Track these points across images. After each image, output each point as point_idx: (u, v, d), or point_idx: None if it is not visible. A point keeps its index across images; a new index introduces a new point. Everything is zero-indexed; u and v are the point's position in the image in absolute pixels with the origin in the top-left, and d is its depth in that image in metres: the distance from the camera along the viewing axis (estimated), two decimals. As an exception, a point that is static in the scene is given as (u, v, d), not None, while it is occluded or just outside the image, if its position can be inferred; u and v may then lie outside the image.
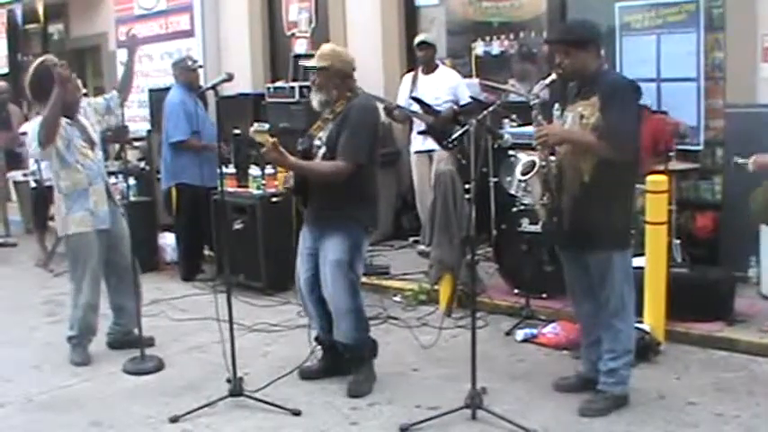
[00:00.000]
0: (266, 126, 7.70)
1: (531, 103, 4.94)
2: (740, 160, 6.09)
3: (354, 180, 5.20)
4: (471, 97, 8.31)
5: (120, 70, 7.31)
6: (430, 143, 8.41)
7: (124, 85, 6.58)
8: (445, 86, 8.37)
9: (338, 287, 5.28)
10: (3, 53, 14.48)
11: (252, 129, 5.61)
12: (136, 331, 6.23)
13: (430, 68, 8.52)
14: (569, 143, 4.80)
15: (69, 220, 6.05)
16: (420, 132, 8.57)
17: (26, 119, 11.16)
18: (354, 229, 5.33)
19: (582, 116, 4.73)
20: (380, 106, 7.77)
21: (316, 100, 5.39)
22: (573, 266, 5.05)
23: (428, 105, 8.33)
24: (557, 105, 5.05)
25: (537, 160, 4.89)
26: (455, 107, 8.23)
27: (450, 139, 8.02)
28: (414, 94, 8.52)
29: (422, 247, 8.54)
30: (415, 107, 8.49)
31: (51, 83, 5.76)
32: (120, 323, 6.49)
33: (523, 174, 4.94)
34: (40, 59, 6.20)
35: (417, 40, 8.68)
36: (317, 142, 5.33)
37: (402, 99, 8.67)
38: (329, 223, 5.29)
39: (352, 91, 5.38)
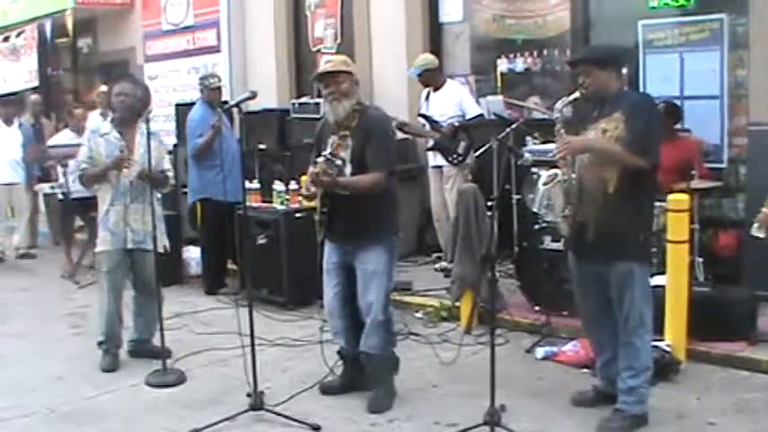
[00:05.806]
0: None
1: (555, 117, 4.96)
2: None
3: (386, 188, 5.26)
4: (495, 114, 8.33)
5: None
6: (440, 158, 8.48)
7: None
8: (451, 101, 8.45)
9: (378, 298, 5.29)
10: (33, 67, 14.64)
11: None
12: (155, 342, 6.32)
13: (438, 86, 8.59)
14: (592, 152, 4.84)
15: (99, 239, 6.33)
16: (428, 149, 8.66)
17: (56, 131, 11.32)
18: (390, 239, 5.38)
19: (605, 131, 4.77)
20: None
21: (341, 108, 5.22)
22: (591, 282, 5.03)
23: (435, 122, 8.41)
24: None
25: (559, 173, 4.90)
26: (455, 123, 8.28)
27: (454, 155, 8.17)
28: (423, 111, 8.62)
29: (442, 264, 8.56)
30: (421, 124, 8.62)
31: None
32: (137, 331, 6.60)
33: (545, 185, 4.96)
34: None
35: (410, 73, 8.82)
36: (338, 162, 5.17)
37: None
38: (365, 235, 5.27)
39: (360, 102, 5.36)
